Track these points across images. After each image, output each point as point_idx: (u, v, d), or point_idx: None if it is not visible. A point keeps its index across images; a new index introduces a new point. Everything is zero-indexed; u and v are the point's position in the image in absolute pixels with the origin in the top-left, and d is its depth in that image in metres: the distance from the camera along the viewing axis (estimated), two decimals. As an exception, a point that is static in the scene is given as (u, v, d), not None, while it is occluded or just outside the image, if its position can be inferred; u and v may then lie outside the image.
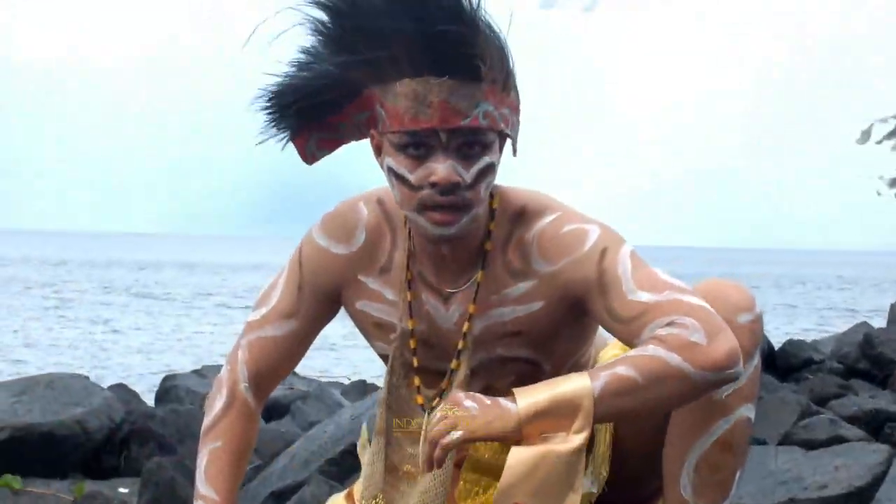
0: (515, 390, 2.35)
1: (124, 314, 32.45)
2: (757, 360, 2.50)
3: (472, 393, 2.38)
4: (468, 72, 2.38)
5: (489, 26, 2.41)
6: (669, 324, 2.35)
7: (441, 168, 2.38)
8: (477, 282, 2.56)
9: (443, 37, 2.36)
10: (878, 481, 4.12)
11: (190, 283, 50.76)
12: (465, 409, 2.32)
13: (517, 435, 2.31)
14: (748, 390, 2.52)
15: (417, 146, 2.41)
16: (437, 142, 2.40)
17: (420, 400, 2.64)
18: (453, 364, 2.59)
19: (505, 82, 2.44)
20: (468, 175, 2.41)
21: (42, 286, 45.60)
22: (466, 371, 2.57)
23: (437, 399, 2.59)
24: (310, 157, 2.60)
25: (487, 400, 2.33)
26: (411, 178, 2.41)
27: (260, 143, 2.58)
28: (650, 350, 2.33)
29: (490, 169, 2.45)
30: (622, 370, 2.32)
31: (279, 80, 2.53)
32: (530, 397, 2.32)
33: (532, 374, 2.54)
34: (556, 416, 2.31)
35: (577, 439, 2.31)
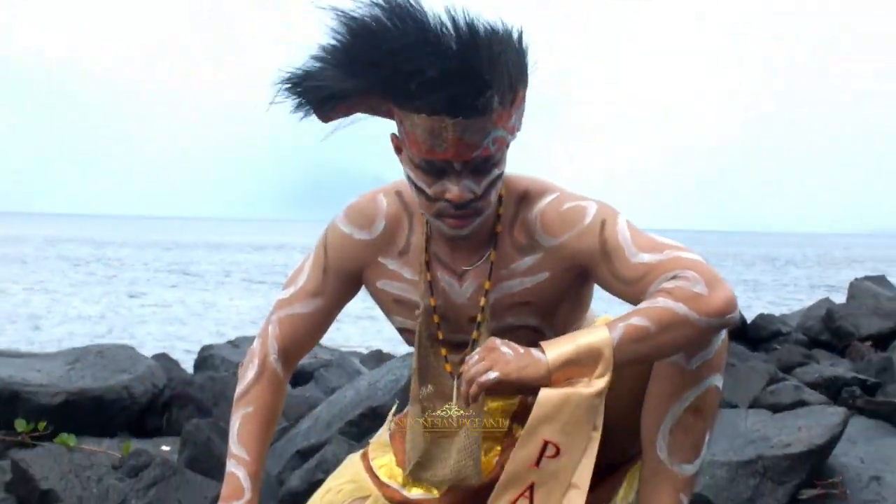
0: (542, 343, 2.38)
1: (165, 289, 32.61)
2: (724, 335, 2.51)
3: (506, 340, 2.39)
4: (480, 111, 2.36)
5: (497, 51, 2.36)
6: (674, 277, 2.38)
7: (455, 189, 2.41)
8: (490, 260, 2.57)
9: (457, 82, 2.33)
10: (835, 440, 4.14)
11: (229, 261, 50.93)
12: (502, 354, 2.35)
13: (546, 381, 2.34)
14: (717, 362, 2.52)
15: (433, 170, 2.42)
16: (451, 167, 2.41)
17: (448, 368, 2.65)
18: (474, 335, 2.60)
19: (514, 98, 2.42)
20: (479, 189, 2.43)
21: (88, 262, 45.83)
22: (486, 340, 2.54)
23: (465, 363, 2.56)
24: (325, 117, 2.54)
25: (521, 349, 2.36)
26: (428, 191, 2.44)
27: (272, 104, 2.52)
28: (660, 302, 2.36)
29: (498, 178, 2.48)
30: (636, 320, 2.35)
31: (304, 69, 2.49)
32: (558, 348, 2.35)
33: (537, 341, 2.55)
34: (580, 364, 2.34)
35: (599, 383, 2.34)
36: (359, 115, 2.55)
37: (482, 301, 2.58)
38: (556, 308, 2.61)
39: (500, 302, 2.59)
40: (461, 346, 2.62)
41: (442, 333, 2.64)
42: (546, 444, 2.36)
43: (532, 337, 2.56)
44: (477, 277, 2.59)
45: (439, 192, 2.43)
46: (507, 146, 2.47)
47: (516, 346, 2.38)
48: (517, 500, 2.39)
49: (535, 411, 2.36)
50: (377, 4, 2.38)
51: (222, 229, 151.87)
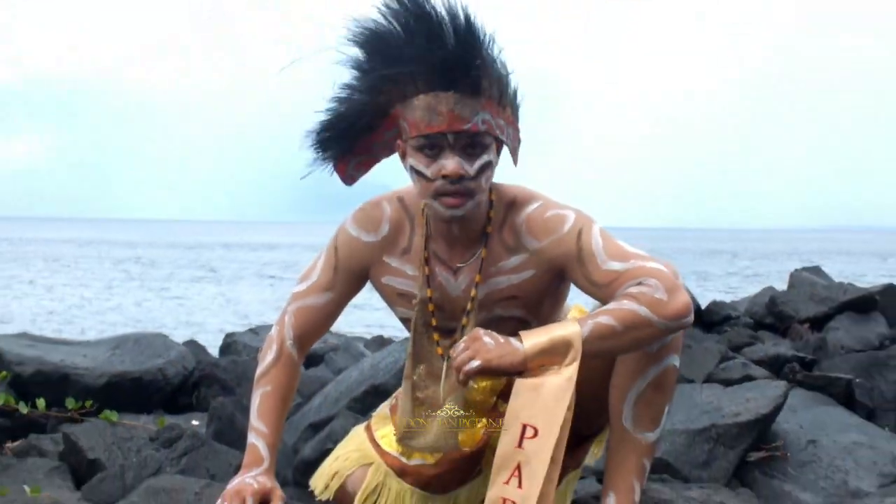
0: (521, 333, 2.40)
1: (189, 284, 32.53)
2: (689, 319, 2.50)
3: (489, 331, 2.42)
4: (469, 87, 2.42)
5: (493, 58, 2.46)
6: (639, 283, 2.40)
7: (450, 163, 2.44)
8: (481, 257, 2.59)
9: (449, 60, 2.41)
10: (778, 409, 4.15)
11: (246, 259, 50.79)
12: (484, 344, 2.37)
13: (523, 367, 2.37)
14: (674, 344, 2.54)
15: (431, 147, 2.45)
16: (446, 143, 2.44)
17: (440, 351, 2.67)
18: (464, 321, 2.62)
19: (500, 99, 2.49)
20: (472, 169, 2.46)
21: (122, 261, 45.70)
22: (472, 328, 2.59)
23: (452, 350, 2.58)
24: (349, 178, 2.65)
25: (501, 338, 2.38)
26: (427, 172, 2.47)
27: (304, 177, 2.65)
28: (625, 304, 2.37)
29: (488, 165, 2.50)
30: (604, 319, 2.37)
31: (322, 117, 2.58)
32: (534, 338, 2.38)
33: (522, 330, 2.58)
34: (553, 353, 2.36)
35: (568, 371, 2.35)
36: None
37: (473, 293, 2.60)
38: (539, 302, 2.62)
39: (489, 295, 2.61)
40: (451, 333, 2.64)
41: (436, 321, 2.66)
42: (525, 426, 2.38)
43: (518, 327, 2.57)
44: (470, 273, 2.61)
45: (436, 171, 2.46)
46: (497, 145, 2.52)
47: (497, 336, 2.40)
48: (509, 480, 2.40)
49: (513, 399, 2.38)
50: (388, 7, 2.46)
51: (238, 231, 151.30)
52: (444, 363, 2.65)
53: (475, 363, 2.35)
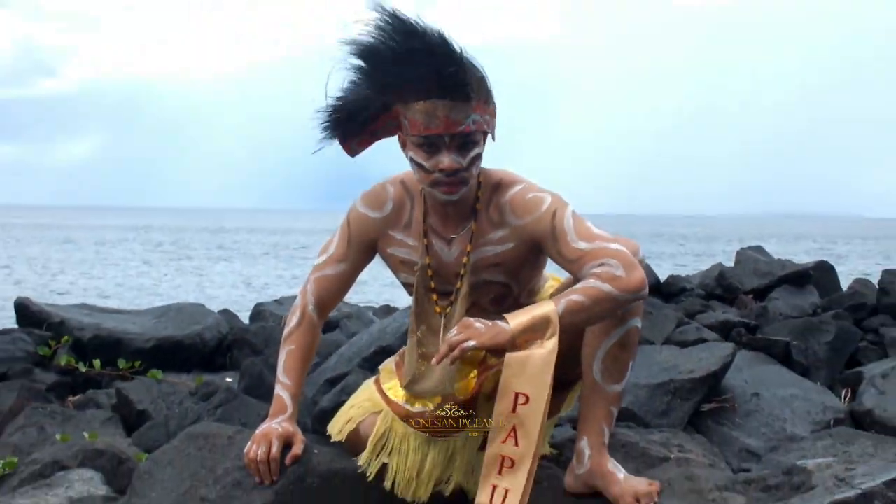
0: (506, 315, 2.40)
1: (217, 262, 32.56)
2: (645, 292, 2.51)
3: (478, 318, 2.43)
4: (462, 96, 2.43)
5: (473, 66, 2.47)
6: (601, 264, 2.41)
7: (446, 160, 2.46)
8: (471, 230, 2.60)
9: (444, 75, 2.42)
10: (726, 367, 4.16)
11: (268, 242, 50.76)
12: (476, 328, 2.38)
13: (511, 344, 2.37)
14: (636, 310, 2.56)
15: (430, 145, 2.47)
16: (442, 142, 2.46)
17: (438, 310, 2.68)
18: (458, 284, 2.63)
19: (486, 99, 2.50)
20: (465, 161, 2.48)
21: (160, 244, 45.66)
22: (466, 289, 2.62)
23: (449, 307, 2.64)
24: (353, 152, 2.64)
25: (489, 322, 2.39)
26: (427, 165, 2.49)
27: (315, 151, 2.64)
28: (591, 283, 2.39)
29: (478, 157, 2.53)
30: (574, 297, 2.38)
31: (332, 103, 2.58)
32: (518, 319, 2.38)
33: (504, 293, 2.62)
34: (535, 330, 2.37)
35: (550, 343, 2.36)
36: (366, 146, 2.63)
37: (465, 260, 2.61)
38: (520, 269, 2.63)
39: (477, 262, 2.61)
40: (448, 294, 2.66)
41: (434, 284, 2.67)
42: (517, 395, 2.38)
43: (502, 290, 2.61)
44: (461, 243, 2.62)
45: (434, 165, 2.48)
46: (484, 136, 2.53)
47: (485, 321, 2.41)
48: (506, 440, 2.41)
49: (505, 371, 2.39)
50: (383, 29, 2.45)
51: (259, 217, 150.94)
52: (442, 320, 2.66)
53: (471, 342, 2.37)
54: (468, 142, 2.48)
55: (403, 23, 2.44)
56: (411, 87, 2.45)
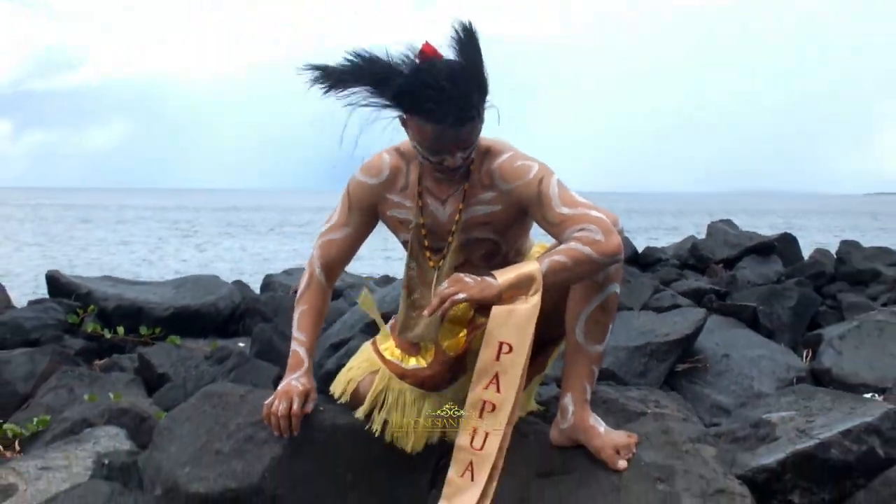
0: (495, 272, 2.38)
1: (229, 238, 32.56)
2: (621, 256, 2.50)
3: (468, 273, 2.41)
4: (471, 123, 2.41)
5: (479, 86, 2.40)
6: (582, 229, 2.39)
7: (451, 160, 2.46)
8: (464, 190, 2.59)
9: (458, 111, 2.38)
10: (699, 331, 4.17)
11: (276, 220, 50.72)
12: (466, 282, 2.35)
13: (498, 298, 2.35)
14: (615, 275, 2.54)
15: (435, 151, 2.47)
16: (447, 150, 2.46)
17: (432, 263, 2.66)
18: (450, 239, 2.62)
19: (485, 102, 2.45)
20: (465, 158, 2.49)
21: (177, 222, 45.59)
22: (456, 243, 2.61)
23: (442, 261, 2.63)
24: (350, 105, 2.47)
25: (478, 278, 2.37)
26: (432, 160, 2.48)
27: (308, 88, 2.47)
28: (573, 245, 2.37)
29: (475, 149, 2.51)
30: (557, 257, 2.36)
31: (346, 65, 2.44)
32: (505, 275, 2.36)
33: (494, 250, 2.62)
34: (520, 286, 2.35)
35: (534, 299, 2.35)
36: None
37: (457, 218, 2.60)
38: (507, 228, 2.62)
39: (468, 221, 2.61)
40: (440, 251, 2.65)
41: (428, 242, 2.66)
42: (501, 344, 2.36)
43: (490, 247, 2.62)
44: (454, 203, 2.61)
45: (438, 161, 2.48)
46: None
47: (475, 276, 2.39)
48: (488, 386, 2.39)
49: (491, 322, 2.37)
50: (411, 67, 2.39)
51: (268, 198, 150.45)
52: (435, 274, 2.66)
53: (461, 295, 2.34)
54: (469, 147, 2.48)
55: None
56: (429, 118, 2.40)
